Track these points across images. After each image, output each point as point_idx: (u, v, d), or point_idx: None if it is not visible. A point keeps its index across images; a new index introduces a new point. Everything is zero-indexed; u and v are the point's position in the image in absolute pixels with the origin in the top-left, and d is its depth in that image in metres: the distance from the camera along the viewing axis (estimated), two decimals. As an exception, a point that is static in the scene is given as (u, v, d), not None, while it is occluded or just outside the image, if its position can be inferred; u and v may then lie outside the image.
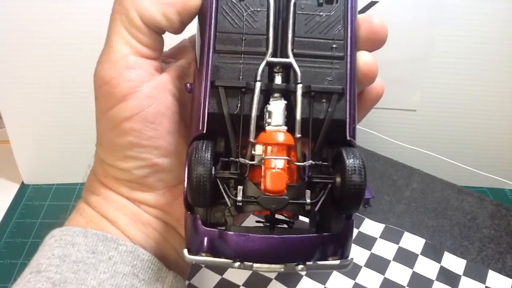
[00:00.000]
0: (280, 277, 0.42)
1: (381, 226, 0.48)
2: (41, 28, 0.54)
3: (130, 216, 0.30)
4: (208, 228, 0.24)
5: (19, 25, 0.54)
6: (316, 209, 0.24)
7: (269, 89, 0.25)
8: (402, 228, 0.48)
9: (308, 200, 0.24)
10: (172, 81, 0.28)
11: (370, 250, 0.46)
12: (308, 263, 0.23)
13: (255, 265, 0.23)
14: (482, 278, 0.44)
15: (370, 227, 0.48)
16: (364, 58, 0.26)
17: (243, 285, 0.41)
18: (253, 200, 0.24)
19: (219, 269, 0.42)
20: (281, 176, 0.23)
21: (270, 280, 0.42)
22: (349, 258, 0.24)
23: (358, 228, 0.48)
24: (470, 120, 0.65)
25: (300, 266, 0.23)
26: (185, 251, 0.24)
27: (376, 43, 0.27)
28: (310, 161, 0.24)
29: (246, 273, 0.42)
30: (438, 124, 0.66)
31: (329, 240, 0.24)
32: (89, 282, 0.26)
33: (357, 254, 0.45)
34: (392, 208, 0.51)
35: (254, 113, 0.24)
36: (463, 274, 0.44)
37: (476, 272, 0.44)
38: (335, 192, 0.24)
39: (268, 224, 0.25)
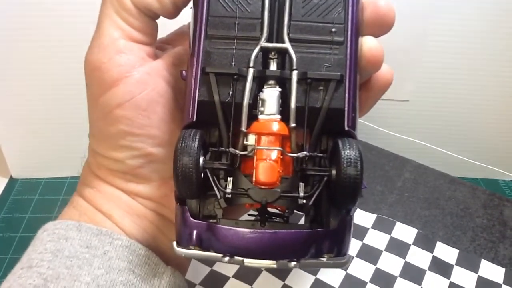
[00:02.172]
0: (270, 269, 0.41)
1: (373, 217, 0.48)
2: (31, 22, 0.53)
3: (125, 209, 0.29)
4: (197, 221, 0.23)
5: (7, 18, 0.53)
6: (310, 203, 0.23)
7: (263, 76, 0.23)
8: (394, 218, 0.48)
9: (302, 194, 0.23)
10: (167, 67, 0.27)
11: (361, 241, 0.45)
12: (301, 260, 0.22)
13: (245, 260, 0.22)
14: (474, 268, 0.43)
15: (361, 217, 0.48)
16: (368, 43, 0.25)
17: (233, 276, 0.41)
18: (243, 192, 0.23)
19: (209, 261, 0.42)
20: (273, 168, 0.22)
21: (260, 271, 0.41)
22: (346, 255, 0.23)
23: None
24: (463, 111, 0.64)
25: (293, 263, 0.22)
26: (174, 243, 0.23)
27: (382, 27, 0.26)
28: (305, 153, 0.23)
29: (236, 266, 0.42)
30: (431, 114, 0.65)
31: (324, 236, 0.23)
32: (83, 278, 0.25)
33: (348, 244, 0.45)
34: (384, 199, 0.51)
35: (246, 101, 0.23)
36: (456, 264, 0.44)
37: (469, 261, 0.44)
38: (331, 185, 0.23)
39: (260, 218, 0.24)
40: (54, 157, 0.63)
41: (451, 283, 0.42)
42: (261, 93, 0.23)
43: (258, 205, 0.23)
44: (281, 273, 0.41)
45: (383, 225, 0.47)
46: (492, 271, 0.43)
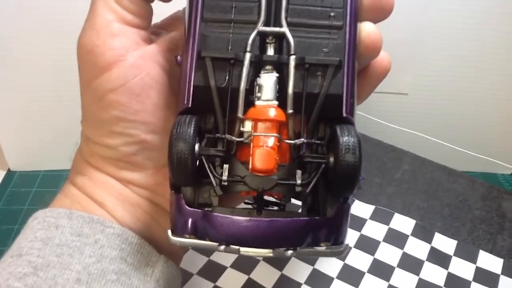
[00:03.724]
0: (268, 259, 0.41)
1: (371, 208, 0.47)
2: (29, 14, 0.53)
3: (118, 197, 0.28)
4: (192, 209, 0.23)
5: (5, 12, 0.52)
6: (308, 190, 0.22)
7: (260, 61, 0.23)
8: (392, 210, 0.47)
9: (299, 181, 0.22)
10: (161, 52, 0.27)
11: (359, 231, 0.45)
12: (298, 248, 0.22)
13: (242, 249, 0.22)
14: (472, 258, 0.43)
15: (360, 208, 0.47)
16: (367, 28, 0.25)
17: (230, 266, 0.41)
18: (239, 179, 0.22)
19: (206, 251, 0.42)
20: (270, 155, 0.22)
21: (257, 261, 0.41)
22: (343, 244, 0.23)
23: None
24: (462, 104, 0.64)
25: (290, 252, 0.22)
26: (169, 232, 0.23)
27: (381, 12, 0.25)
28: (302, 139, 0.23)
29: (234, 254, 0.41)
30: (429, 107, 0.65)
31: (321, 224, 0.22)
32: (74, 267, 0.25)
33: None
34: (382, 190, 0.51)
35: (243, 86, 0.22)
36: (454, 255, 0.43)
37: (467, 252, 0.44)
38: (329, 173, 0.22)
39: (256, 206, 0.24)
40: (51, 150, 0.63)
41: (449, 273, 0.42)
42: (258, 78, 0.23)
43: (254, 193, 0.23)
44: (279, 263, 0.41)
45: (381, 216, 0.47)
46: (490, 262, 0.43)
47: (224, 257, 0.41)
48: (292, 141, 0.23)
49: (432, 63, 0.62)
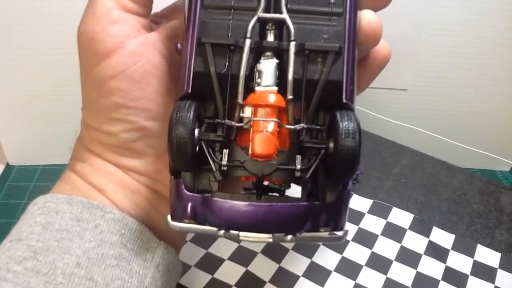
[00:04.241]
0: (266, 251, 0.41)
1: (369, 202, 0.47)
2: (28, 8, 0.53)
3: (118, 184, 0.28)
4: (191, 194, 0.23)
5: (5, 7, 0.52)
6: (308, 176, 0.22)
7: (260, 47, 0.23)
8: (390, 204, 0.47)
9: (299, 166, 0.22)
10: (162, 40, 0.27)
11: (357, 225, 0.45)
12: (297, 234, 0.22)
13: (241, 234, 0.22)
14: (470, 252, 0.43)
15: (358, 202, 0.47)
16: (367, 16, 0.25)
17: (228, 259, 0.41)
18: (239, 164, 0.22)
19: (204, 243, 0.42)
20: (270, 140, 0.22)
21: (256, 254, 0.41)
22: (342, 230, 0.23)
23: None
24: (462, 100, 0.64)
25: (289, 237, 0.22)
26: (169, 217, 0.23)
27: (381, 0, 0.25)
28: (302, 125, 0.23)
29: (232, 247, 0.42)
30: (429, 103, 0.65)
31: (321, 209, 0.22)
32: (73, 251, 0.25)
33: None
34: (380, 184, 0.51)
35: (242, 72, 0.22)
36: (452, 248, 0.44)
37: (465, 246, 0.44)
38: (328, 158, 0.22)
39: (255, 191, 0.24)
40: (50, 144, 0.63)
41: (446, 267, 0.42)
42: (258, 64, 0.23)
43: (254, 178, 0.23)
44: (277, 256, 0.41)
45: (379, 210, 0.47)
46: (488, 255, 0.43)
47: (222, 250, 0.41)
48: (292, 126, 0.23)
49: (432, 59, 0.62)
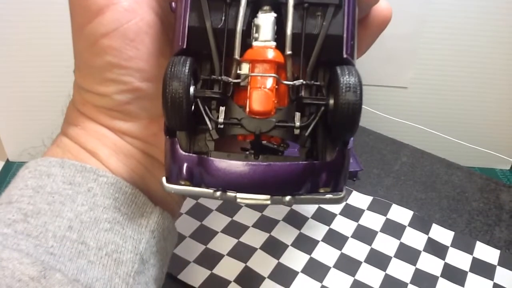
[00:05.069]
0: (265, 247, 0.41)
1: (369, 199, 0.47)
2: (28, 3, 0.53)
3: (112, 147, 0.27)
4: (187, 154, 0.22)
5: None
6: (307, 133, 0.22)
7: (258, 1, 0.22)
8: (390, 201, 0.47)
9: (298, 123, 0.21)
10: None
11: (357, 222, 0.45)
12: (296, 196, 0.21)
13: (238, 195, 0.21)
14: (469, 249, 0.43)
15: (357, 199, 0.47)
16: None
17: (227, 254, 0.41)
18: (236, 122, 0.22)
19: (203, 239, 0.42)
20: (268, 96, 0.21)
21: (255, 250, 0.41)
22: (343, 191, 0.22)
23: (346, 200, 0.47)
24: (462, 97, 0.64)
25: (288, 198, 0.21)
26: (163, 179, 0.22)
27: None
28: (301, 81, 0.22)
29: (231, 242, 0.42)
30: (429, 101, 0.65)
31: (320, 169, 0.21)
32: (65, 214, 0.24)
33: (344, 225, 0.45)
34: (380, 181, 0.51)
35: (239, 26, 0.21)
36: (451, 245, 0.43)
37: (464, 243, 0.44)
38: (328, 116, 0.21)
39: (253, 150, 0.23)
40: (51, 141, 0.63)
41: (445, 264, 0.42)
42: (255, 18, 0.22)
43: (251, 137, 0.22)
44: (276, 252, 0.41)
45: (379, 207, 0.47)
46: (487, 253, 0.43)
47: (220, 245, 0.41)
48: (291, 82, 0.22)
49: (432, 57, 0.62)
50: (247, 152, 0.23)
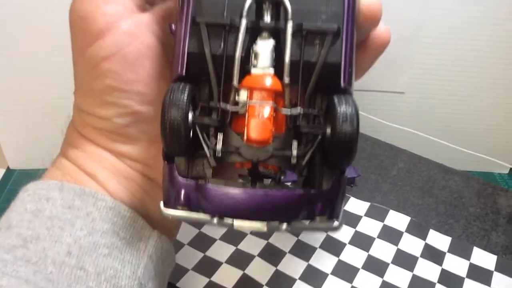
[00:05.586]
0: (263, 254, 0.42)
1: (366, 205, 0.48)
2: (30, 14, 0.53)
3: (111, 170, 0.27)
4: (185, 179, 0.22)
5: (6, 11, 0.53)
6: (304, 162, 0.22)
7: (257, 28, 0.22)
8: (387, 207, 0.48)
9: (295, 153, 0.22)
10: (156, 21, 0.26)
11: (354, 228, 0.45)
12: (293, 222, 0.21)
13: (235, 222, 0.21)
14: (466, 255, 0.43)
15: (355, 205, 0.48)
16: None
17: (225, 262, 0.41)
18: (234, 150, 0.22)
19: (201, 246, 0.42)
20: (265, 125, 0.21)
21: (253, 257, 0.41)
22: (339, 219, 0.22)
23: (344, 204, 0.48)
24: (460, 102, 0.64)
25: (284, 225, 0.21)
26: (161, 204, 0.22)
27: None
28: (299, 109, 0.22)
29: (229, 250, 0.42)
30: (426, 106, 0.65)
31: (317, 197, 0.22)
32: (64, 239, 0.24)
33: (341, 232, 0.45)
34: (378, 187, 0.51)
35: (238, 53, 0.22)
36: (448, 251, 0.44)
37: (461, 248, 0.44)
38: (326, 144, 0.22)
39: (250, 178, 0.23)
40: (51, 148, 0.63)
41: (443, 270, 0.42)
42: (254, 45, 0.22)
43: (249, 165, 0.22)
44: (274, 259, 0.41)
45: (376, 213, 0.47)
46: (484, 258, 0.43)
47: (219, 253, 0.42)
48: (289, 111, 0.22)
49: (429, 62, 0.62)
50: (242, 181, 0.23)
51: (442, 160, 0.56)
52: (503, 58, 0.61)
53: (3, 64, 0.56)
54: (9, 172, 0.64)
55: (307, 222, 0.22)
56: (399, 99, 0.65)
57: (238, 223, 0.21)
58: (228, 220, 0.21)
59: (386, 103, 0.65)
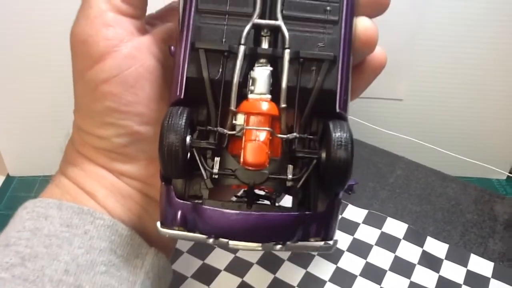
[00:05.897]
0: (261, 262, 0.42)
1: (364, 212, 0.48)
2: (30, 20, 0.54)
3: (109, 188, 0.28)
4: (182, 201, 0.23)
5: (5, 11, 0.53)
6: (299, 186, 0.23)
7: (254, 54, 0.23)
8: (385, 214, 0.48)
9: (290, 176, 0.22)
10: (156, 43, 0.27)
11: (352, 235, 0.46)
12: (287, 243, 0.22)
13: (230, 242, 0.22)
14: (464, 262, 0.44)
15: (353, 213, 0.48)
16: (363, 24, 0.24)
17: (224, 269, 0.41)
18: (230, 173, 0.22)
19: (201, 254, 0.42)
20: (262, 149, 0.22)
21: (251, 265, 0.42)
22: (332, 240, 0.23)
23: (341, 214, 0.48)
24: (457, 109, 0.65)
25: (279, 246, 0.22)
26: (158, 223, 0.23)
27: (378, 7, 0.25)
28: (295, 134, 0.23)
29: (228, 258, 0.42)
30: (424, 113, 0.66)
31: (311, 220, 0.22)
32: (62, 258, 0.25)
33: (339, 239, 0.45)
34: (375, 194, 0.51)
35: (236, 79, 0.22)
36: (445, 258, 0.44)
37: (458, 256, 0.44)
38: (321, 167, 0.22)
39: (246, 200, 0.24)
40: (51, 155, 0.63)
41: (440, 277, 0.42)
42: (251, 71, 0.23)
43: (245, 187, 0.23)
44: (272, 267, 0.42)
45: (374, 220, 0.47)
46: (481, 265, 0.43)
47: (218, 260, 0.42)
48: (285, 136, 0.23)
49: (427, 69, 0.63)
50: (241, 201, 0.24)
51: (440, 167, 0.57)
52: (500, 66, 0.61)
53: (4, 73, 0.57)
54: (9, 179, 0.64)
55: (301, 243, 0.22)
56: (397, 106, 0.65)
57: (234, 243, 0.22)
58: (223, 240, 0.22)
59: (384, 110, 0.65)
